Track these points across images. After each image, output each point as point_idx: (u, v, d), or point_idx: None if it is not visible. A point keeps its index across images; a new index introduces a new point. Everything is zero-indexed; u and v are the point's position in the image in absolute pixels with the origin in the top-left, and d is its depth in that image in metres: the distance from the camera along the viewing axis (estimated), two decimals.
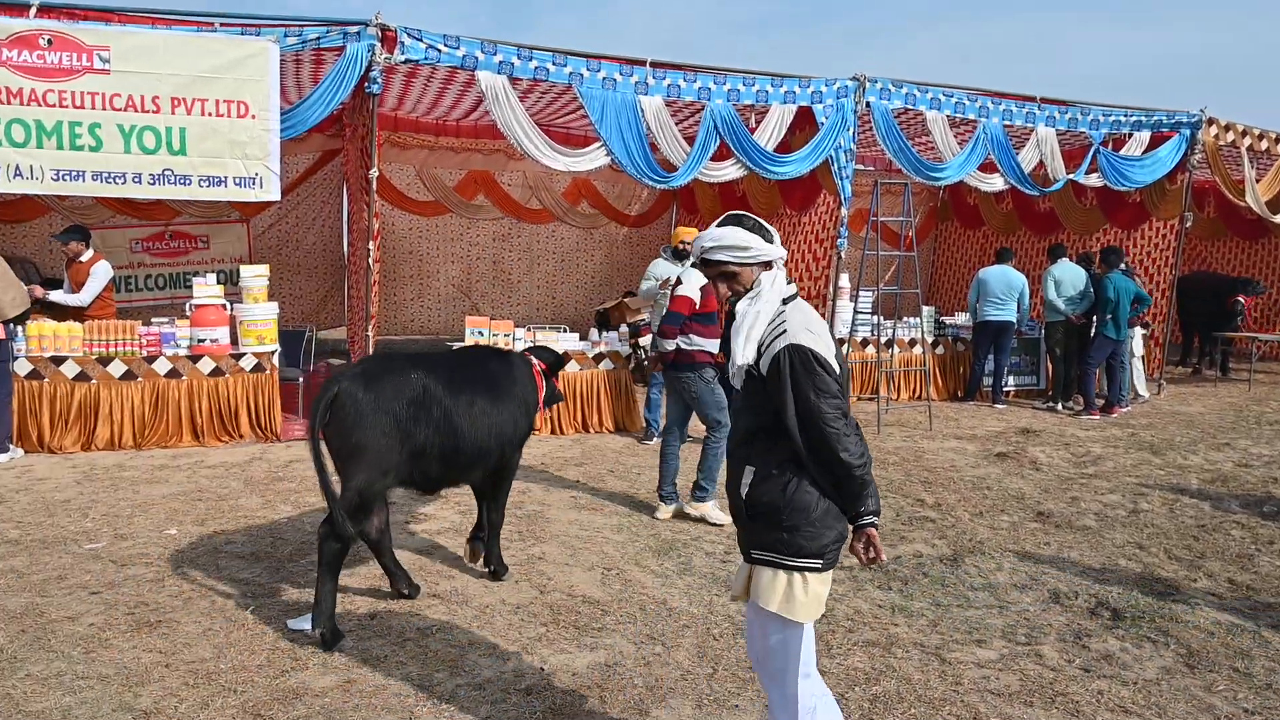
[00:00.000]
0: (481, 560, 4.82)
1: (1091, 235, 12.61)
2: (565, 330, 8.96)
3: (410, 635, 4.07)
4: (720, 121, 8.64)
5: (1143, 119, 10.72)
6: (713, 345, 5.94)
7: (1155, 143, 10.81)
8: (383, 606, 4.37)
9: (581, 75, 8.07)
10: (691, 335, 5.90)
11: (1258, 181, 11.46)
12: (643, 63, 8.35)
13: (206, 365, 7.58)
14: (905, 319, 10.77)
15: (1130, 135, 10.75)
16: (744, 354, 2.68)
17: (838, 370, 2.64)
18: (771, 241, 2.75)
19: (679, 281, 5.94)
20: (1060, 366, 10.50)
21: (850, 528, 2.73)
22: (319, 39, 7.26)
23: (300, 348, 9.06)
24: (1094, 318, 10.12)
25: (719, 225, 2.77)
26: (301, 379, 8.60)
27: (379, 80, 7.44)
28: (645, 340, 10.18)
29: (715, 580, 4.84)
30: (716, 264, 2.76)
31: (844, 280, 10.17)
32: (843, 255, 9.78)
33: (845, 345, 10.14)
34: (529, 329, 8.85)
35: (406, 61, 7.52)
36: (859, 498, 2.67)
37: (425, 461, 4.14)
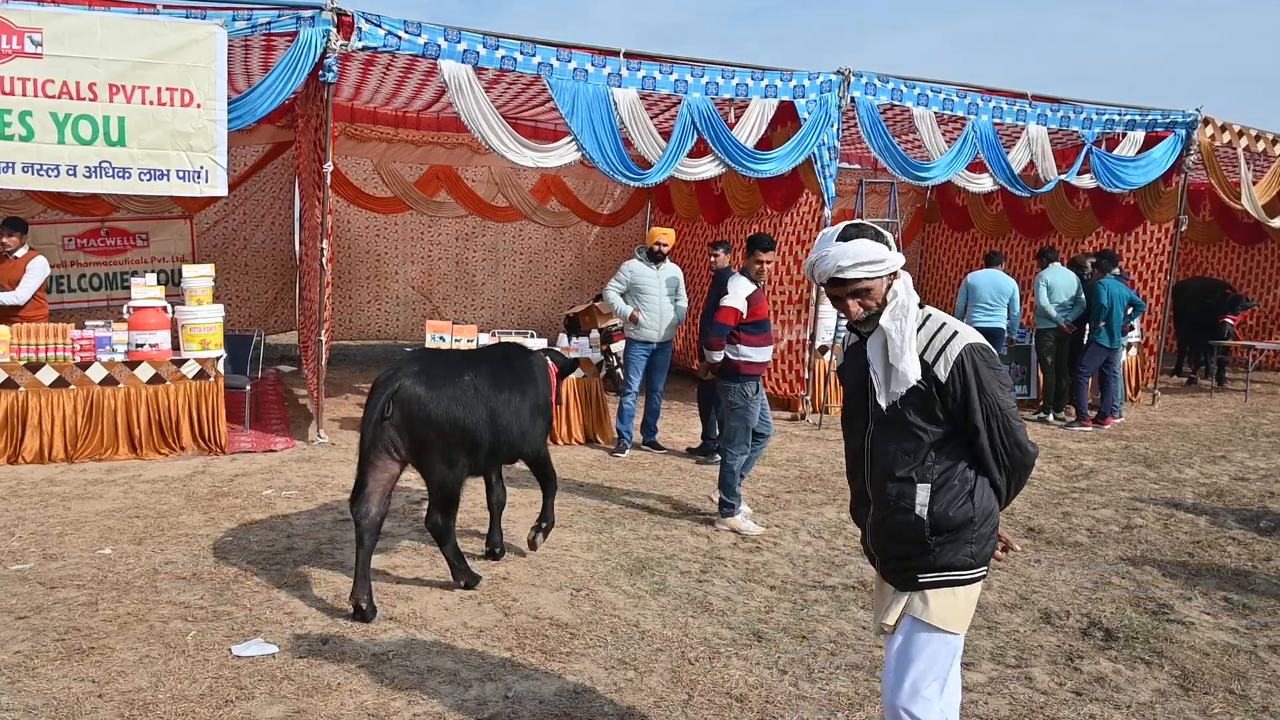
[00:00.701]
0: (523, 546, 5.42)
1: (1084, 239, 12.80)
2: (533, 335, 8.95)
3: (365, 661, 4.04)
4: (698, 116, 8.68)
5: (1137, 118, 10.92)
6: (762, 354, 6.21)
7: (1150, 143, 11.01)
8: (336, 630, 4.33)
9: (551, 65, 8.08)
10: (739, 345, 6.15)
11: (1254, 184, 11.70)
12: (616, 53, 8.38)
13: (145, 372, 7.48)
14: None
15: (1124, 135, 10.93)
16: (912, 370, 2.62)
17: None
18: (893, 248, 2.67)
19: (725, 291, 6.28)
20: (1051, 376, 10.64)
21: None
22: (270, 23, 7.21)
23: (248, 353, 8.97)
24: (1086, 325, 10.27)
25: (840, 239, 2.65)
26: (249, 387, 8.52)
27: (334, 68, 7.40)
28: (618, 346, 10.20)
29: (690, 601, 4.85)
30: (850, 282, 2.64)
31: None
32: None
33: (829, 353, 10.21)
34: (494, 334, 8.82)
35: (364, 49, 7.48)
36: (1020, 491, 2.79)
37: (477, 455, 4.78)
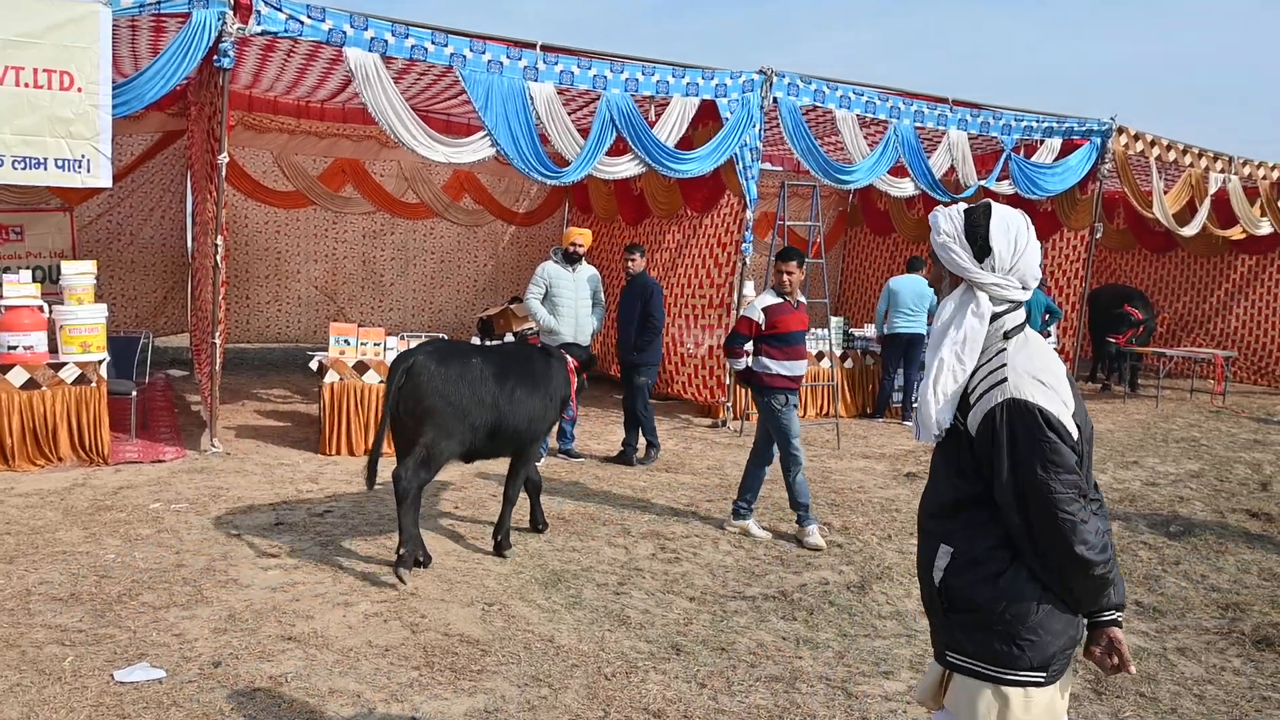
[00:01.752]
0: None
1: None
2: (444, 338, 8.82)
3: (261, 684, 3.93)
4: (617, 113, 8.71)
5: (1054, 125, 11.36)
6: (788, 369, 6.28)
7: (1066, 150, 11.47)
8: (229, 651, 4.21)
9: (464, 57, 8.01)
10: (761, 357, 6.31)
11: (1166, 193, 12.28)
12: (533, 46, 8.35)
13: (18, 376, 7.15)
14: (813, 330, 11.05)
15: (1042, 142, 11.37)
16: (935, 408, 2.28)
17: (1075, 434, 2.20)
18: (983, 255, 2.30)
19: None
20: None
21: (1085, 624, 2.34)
22: (159, 3, 6.98)
23: (134, 357, 8.67)
24: None
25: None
26: (135, 393, 8.21)
27: (230, 53, 7.21)
28: None
29: (607, 614, 4.86)
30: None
31: (748, 288, 10.38)
32: (747, 261, 9.98)
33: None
34: (403, 337, 8.69)
35: (264, 33, 7.31)
36: (1094, 598, 2.25)
37: (476, 435, 5.37)
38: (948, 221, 2.34)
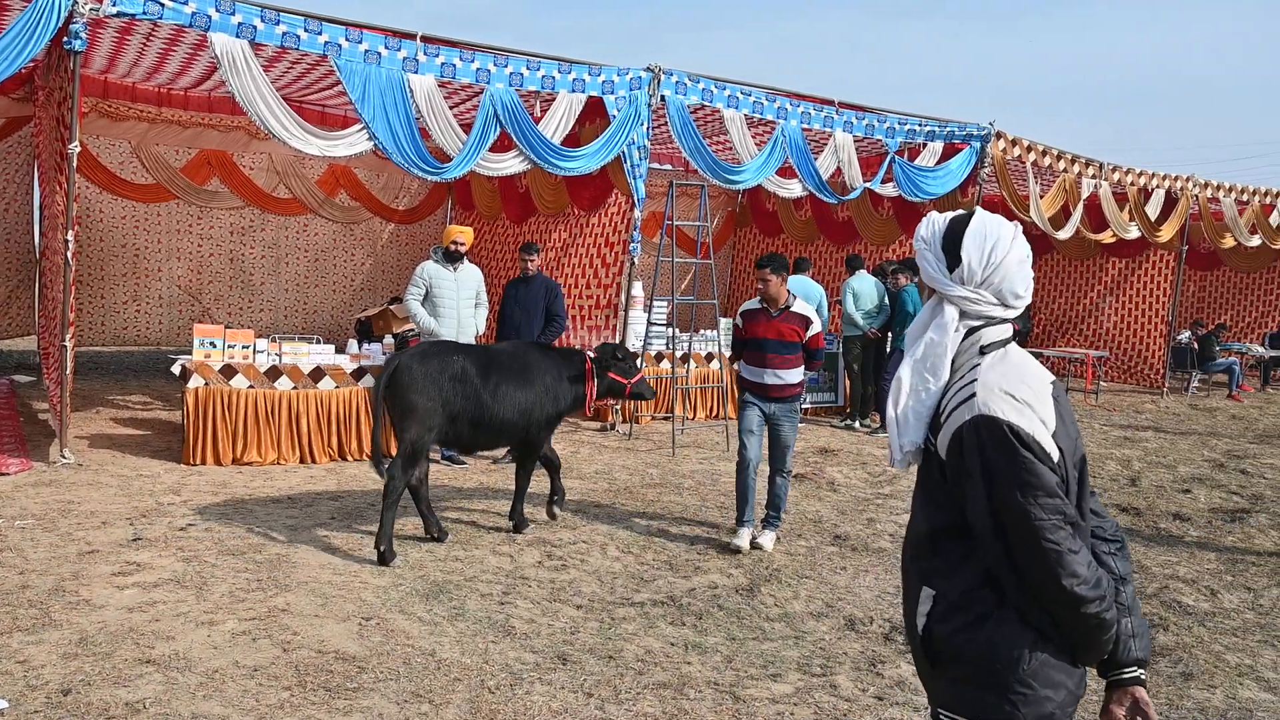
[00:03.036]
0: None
1: (889, 246, 13.71)
2: (318, 341, 8.62)
3: (116, 712, 3.75)
4: (501, 108, 8.66)
5: (936, 129, 11.81)
6: (751, 373, 6.40)
7: (948, 154, 11.94)
8: (81, 678, 4.01)
9: (340, 46, 7.84)
10: (742, 360, 6.50)
11: (1042, 197, 12.91)
12: (412, 36, 8.23)
13: None
14: (702, 331, 11.22)
15: (924, 145, 11.81)
16: (900, 433, 2.15)
17: (1056, 455, 2.00)
18: (953, 266, 2.17)
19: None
20: (858, 383, 11.31)
21: (1103, 679, 2.15)
22: None
23: None
24: (890, 333, 10.99)
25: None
26: None
27: (82, 35, 6.87)
28: None
29: (491, 625, 4.82)
30: None
31: (637, 289, 10.46)
32: (635, 261, 10.06)
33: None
34: (273, 339, 8.44)
35: (120, 15, 6.99)
36: (1095, 645, 2.03)
37: (459, 425, 6.00)
38: (927, 227, 2.23)
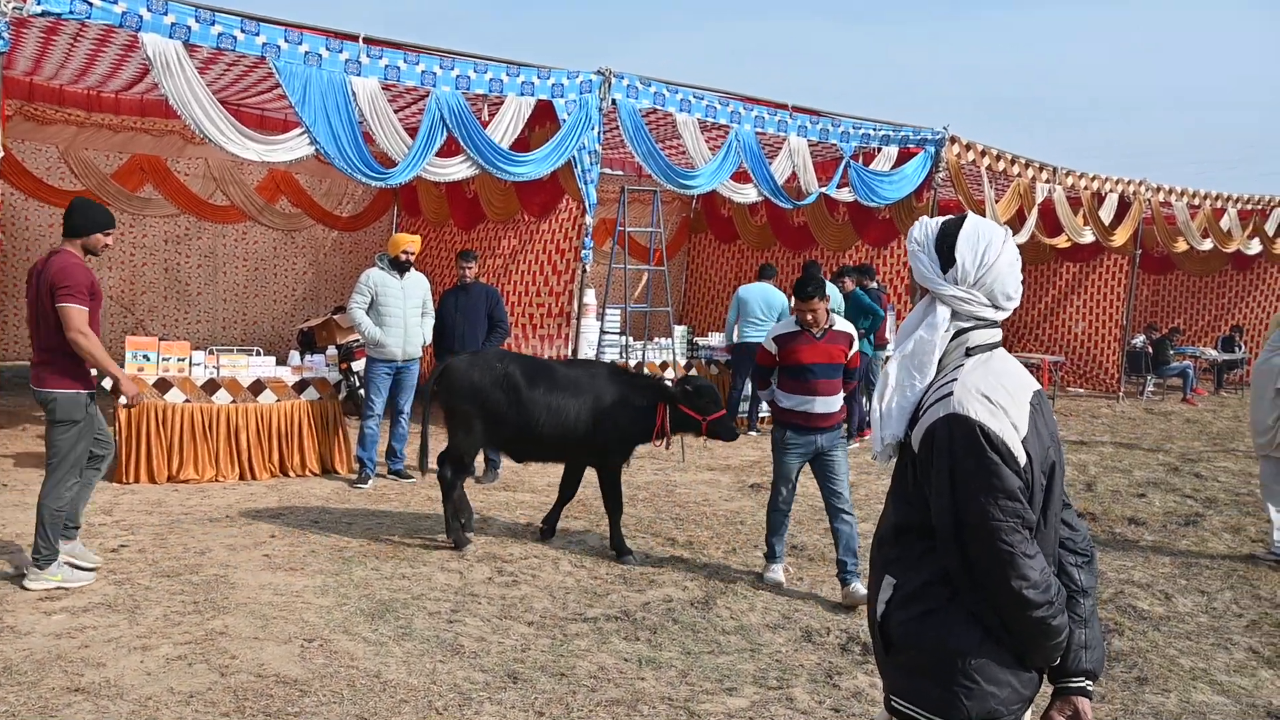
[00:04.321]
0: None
1: (845, 252, 13.86)
2: (258, 353, 8.51)
3: None
4: (447, 111, 8.62)
5: (890, 133, 11.97)
6: (793, 401, 5.84)
7: (903, 159, 12.11)
8: (4, 708, 3.91)
9: (279, 47, 7.76)
10: (778, 389, 5.96)
11: (997, 202, 13.15)
12: (355, 38, 8.17)
13: None
14: (656, 340, 11.25)
15: (879, 150, 11.96)
16: (883, 426, 2.26)
17: (1024, 460, 2.10)
18: (947, 266, 2.26)
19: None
20: None
21: (1049, 684, 2.26)
22: None
23: None
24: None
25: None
26: None
27: (5, 35, 6.73)
28: (358, 365, 9.90)
29: (440, 644, 4.79)
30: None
31: (589, 297, 10.47)
32: (587, 269, 10.07)
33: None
34: (211, 351, 8.32)
35: (45, 14, 6.86)
36: (1041, 649, 2.14)
37: (500, 433, 6.29)
38: (921, 230, 2.32)
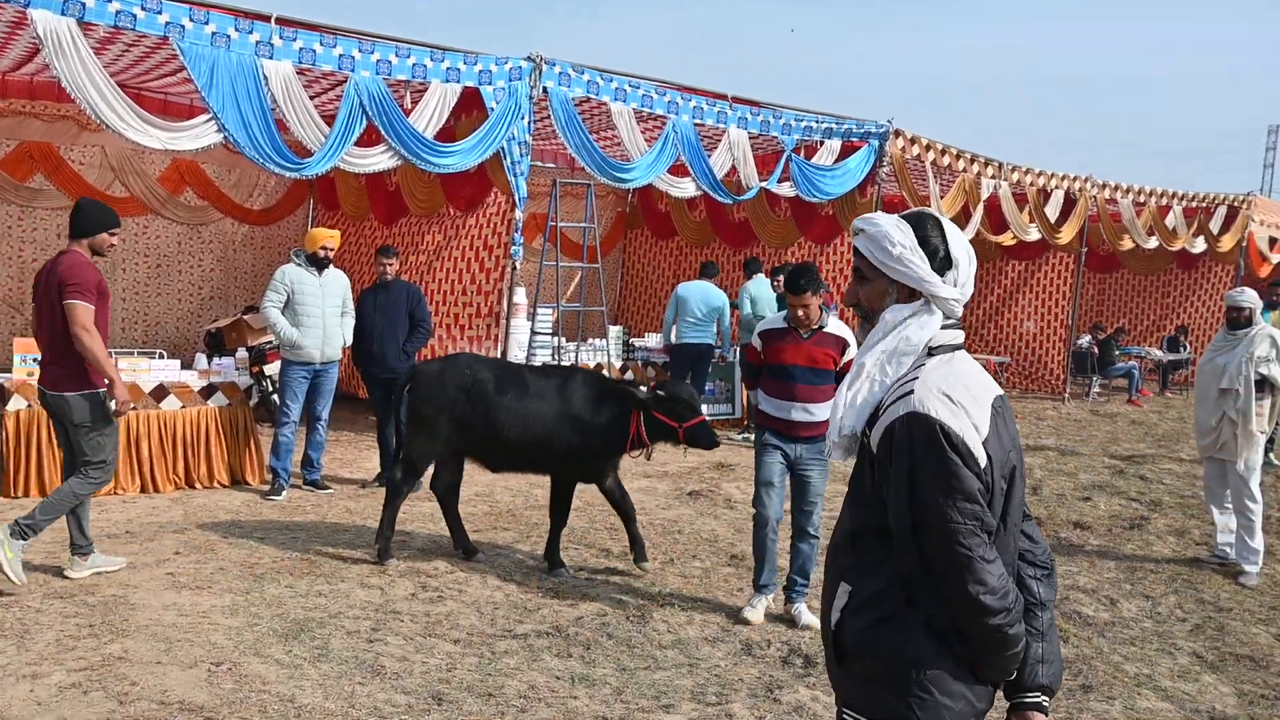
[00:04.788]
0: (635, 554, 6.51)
1: (787, 249, 14.00)
2: (161, 356, 8.32)
3: None
4: (367, 98, 8.53)
5: (833, 126, 12.13)
6: (773, 406, 5.68)
7: (845, 152, 12.27)
8: None
9: (183, 27, 7.60)
10: (760, 389, 5.82)
11: (942, 198, 13.40)
12: (266, 18, 8.04)
13: None
14: (590, 340, 11.25)
15: (822, 143, 12.11)
16: (844, 415, 2.28)
17: (984, 462, 2.13)
18: (945, 268, 2.27)
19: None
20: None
21: (1005, 699, 2.30)
22: None
23: None
24: None
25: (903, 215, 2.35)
26: None
27: None
28: (271, 368, 9.73)
29: (359, 665, 4.73)
30: (856, 253, 2.36)
31: (519, 295, 10.43)
32: (517, 266, 10.03)
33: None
34: (110, 354, 8.09)
35: None
36: (998, 658, 2.16)
37: (465, 438, 6.35)
38: (899, 231, 2.27)
